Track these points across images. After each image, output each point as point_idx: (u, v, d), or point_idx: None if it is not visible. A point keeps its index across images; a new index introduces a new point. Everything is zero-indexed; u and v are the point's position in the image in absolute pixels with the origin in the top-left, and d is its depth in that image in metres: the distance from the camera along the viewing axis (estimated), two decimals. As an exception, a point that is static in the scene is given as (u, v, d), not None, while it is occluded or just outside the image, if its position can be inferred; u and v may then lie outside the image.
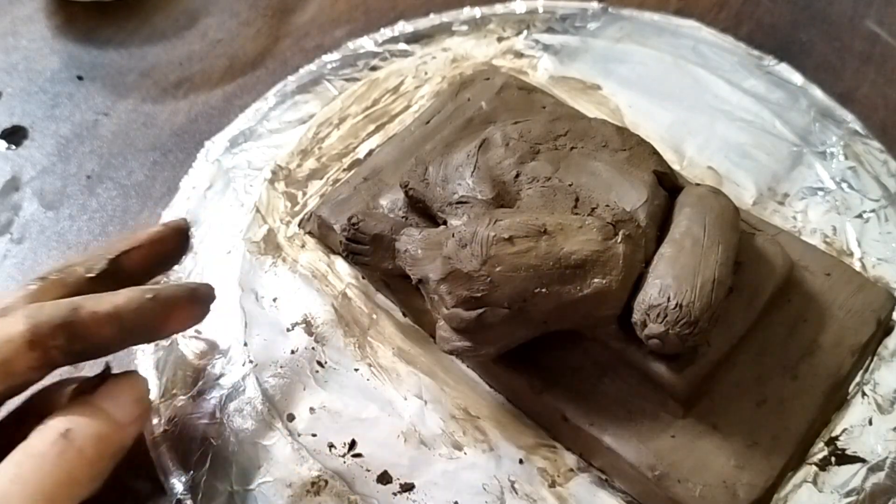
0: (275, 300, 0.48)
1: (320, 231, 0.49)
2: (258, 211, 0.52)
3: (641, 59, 0.59)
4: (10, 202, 0.53)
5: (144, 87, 0.60)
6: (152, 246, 0.41)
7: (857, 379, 0.43)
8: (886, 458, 0.41)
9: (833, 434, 0.42)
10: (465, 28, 0.61)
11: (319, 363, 0.45)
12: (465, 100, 0.53)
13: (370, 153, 0.54)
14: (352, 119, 0.56)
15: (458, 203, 0.42)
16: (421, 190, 0.44)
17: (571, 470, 0.41)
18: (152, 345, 0.46)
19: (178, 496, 0.41)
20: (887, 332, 0.45)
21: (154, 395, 0.44)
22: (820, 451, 0.41)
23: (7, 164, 0.56)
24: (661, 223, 0.41)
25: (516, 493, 0.40)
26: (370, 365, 0.45)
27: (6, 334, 0.33)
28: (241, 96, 0.59)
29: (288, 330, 0.46)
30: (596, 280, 0.38)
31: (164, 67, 0.61)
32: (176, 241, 0.42)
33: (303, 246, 0.50)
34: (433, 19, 0.62)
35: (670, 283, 0.38)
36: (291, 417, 0.43)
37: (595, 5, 0.62)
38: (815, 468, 0.41)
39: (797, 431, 0.40)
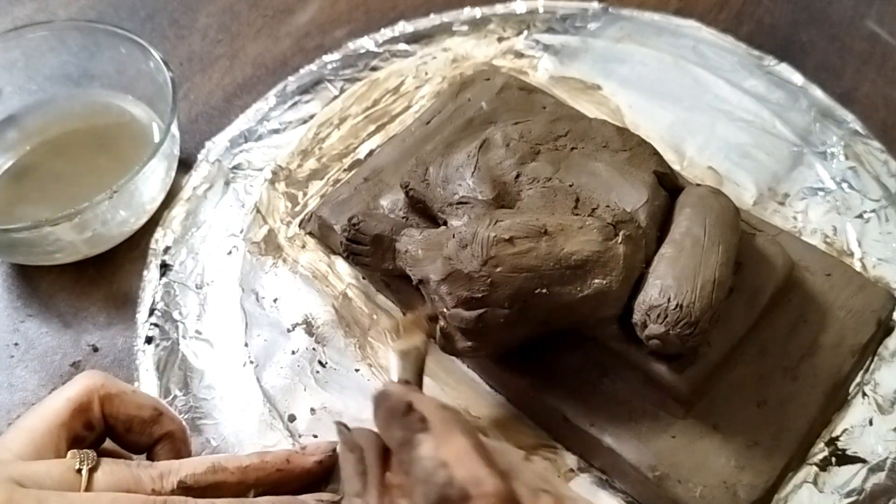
0: (275, 301, 0.48)
1: (321, 231, 0.49)
2: (259, 211, 0.52)
3: (641, 59, 0.59)
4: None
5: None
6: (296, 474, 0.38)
7: (858, 379, 0.43)
8: (887, 458, 0.41)
9: (833, 434, 0.42)
10: (465, 28, 0.61)
11: (320, 363, 0.45)
12: (466, 100, 0.53)
13: (371, 153, 0.54)
14: (352, 119, 0.56)
15: (458, 203, 0.42)
16: (421, 190, 0.44)
17: (572, 470, 0.41)
18: (152, 345, 0.46)
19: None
20: (888, 333, 0.45)
21: (154, 395, 0.44)
22: (820, 451, 0.41)
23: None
24: (662, 223, 0.41)
25: (517, 493, 0.40)
26: (371, 365, 0.45)
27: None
28: (241, 96, 0.59)
29: (289, 330, 0.46)
30: (596, 280, 0.38)
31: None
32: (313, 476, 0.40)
33: (303, 246, 0.50)
34: (433, 19, 0.62)
35: (671, 284, 0.38)
36: (292, 418, 0.43)
37: (595, 5, 0.62)
38: (815, 468, 0.41)
39: (798, 432, 0.40)
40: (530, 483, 0.30)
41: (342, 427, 0.34)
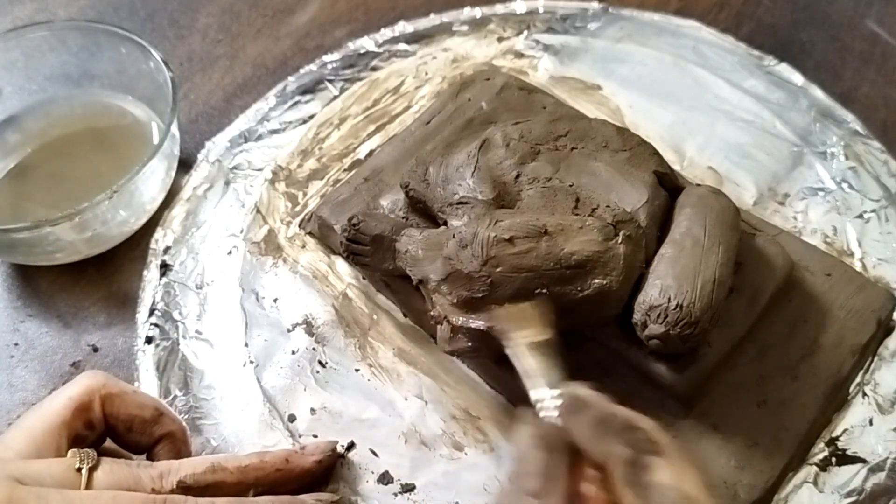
0: (275, 301, 0.48)
1: (321, 231, 0.49)
2: (259, 211, 0.52)
3: (642, 59, 0.59)
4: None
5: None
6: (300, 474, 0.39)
7: (858, 379, 0.43)
8: (887, 458, 0.41)
9: (834, 434, 0.42)
10: (465, 28, 0.61)
11: (320, 363, 0.45)
12: (466, 100, 0.53)
13: (371, 153, 0.54)
14: (352, 119, 0.56)
15: (458, 203, 0.42)
16: (421, 190, 0.44)
17: (572, 470, 0.41)
18: (152, 345, 0.46)
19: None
20: (888, 333, 0.45)
21: (154, 395, 0.44)
22: (820, 451, 0.41)
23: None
24: (662, 223, 0.41)
25: (517, 493, 0.40)
26: (371, 365, 0.45)
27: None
28: (241, 96, 0.59)
29: (289, 330, 0.46)
30: (596, 281, 0.38)
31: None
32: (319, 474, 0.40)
33: (303, 246, 0.50)
34: (433, 19, 0.62)
35: (671, 284, 0.38)
36: (293, 418, 0.43)
37: (595, 5, 0.62)
38: (815, 468, 0.41)
39: (798, 432, 0.40)
40: None
41: (530, 416, 0.31)
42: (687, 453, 0.29)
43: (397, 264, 0.42)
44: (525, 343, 0.34)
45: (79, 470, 0.34)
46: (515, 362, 0.34)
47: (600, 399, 0.31)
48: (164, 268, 0.50)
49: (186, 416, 0.43)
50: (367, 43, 0.61)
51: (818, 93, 0.56)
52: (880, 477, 0.40)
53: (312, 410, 0.43)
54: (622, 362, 0.41)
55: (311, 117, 0.56)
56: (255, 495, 0.37)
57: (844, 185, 0.51)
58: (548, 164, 0.42)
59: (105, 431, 0.38)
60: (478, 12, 0.62)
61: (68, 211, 0.45)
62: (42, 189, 0.51)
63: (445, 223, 0.42)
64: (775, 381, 0.41)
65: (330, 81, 0.58)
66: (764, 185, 0.51)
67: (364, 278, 0.48)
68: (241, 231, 0.51)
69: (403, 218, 0.45)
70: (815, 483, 0.40)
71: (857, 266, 0.47)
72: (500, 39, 0.61)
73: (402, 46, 0.60)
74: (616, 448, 0.28)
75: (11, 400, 0.45)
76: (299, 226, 0.51)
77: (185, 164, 0.54)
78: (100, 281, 0.50)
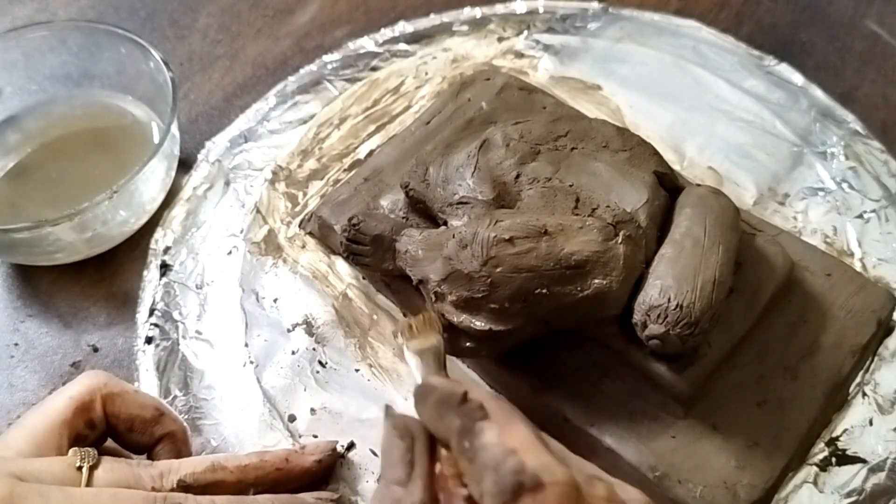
0: (275, 301, 0.48)
1: (321, 232, 0.49)
2: (259, 211, 0.52)
3: (642, 59, 0.59)
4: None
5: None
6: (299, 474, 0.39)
7: (858, 379, 0.43)
8: (887, 458, 0.41)
9: (834, 434, 0.42)
10: (465, 28, 0.61)
11: (320, 363, 0.45)
12: (466, 100, 0.53)
13: (371, 154, 0.54)
14: (352, 119, 0.56)
15: (458, 204, 0.42)
16: (421, 190, 0.44)
17: (572, 470, 0.41)
18: (152, 345, 0.46)
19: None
20: (888, 333, 0.45)
21: (154, 395, 0.44)
22: (820, 451, 0.41)
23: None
24: (662, 224, 0.41)
25: (517, 493, 0.40)
26: (371, 365, 0.45)
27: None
28: (241, 96, 0.59)
29: (289, 331, 0.46)
30: (596, 281, 0.38)
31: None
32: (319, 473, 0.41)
33: (303, 246, 0.50)
34: (433, 19, 0.62)
35: (671, 284, 0.38)
36: (293, 418, 0.43)
37: (595, 5, 0.62)
38: (815, 469, 0.41)
39: (798, 432, 0.40)
40: (583, 470, 0.30)
41: (392, 411, 0.33)
42: (512, 410, 0.30)
43: (397, 264, 0.42)
44: (413, 349, 0.37)
45: (79, 468, 0.34)
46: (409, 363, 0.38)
47: (445, 383, 0.32)
48: (164, 268, 0.50)
49: (186, 416, 0.43)
50: (367, 43, 0.61)
51: (818, 93, 0.56)
52: (880, 477, 0.40)
53: (312, 410, 0.43)
54: (622, 362, 0.41)
55: (311, 117, 0.56)
56: (254, 494, 0.37)
57: (844, 185, 0.51)
58: (548, 164, 0.42)
59: (106, 431, 0.38)
60: (478, 12, 0.62)
61: (68, 211, 0.45)
62: (42, 189, 0.51)
63: (445, 223, 0.42)
64: (775, 381, 0.41)
65: (330, 81, 0.58)
66: (764, 185, 0.51)
67: (364, 278, 0.48)
68: (241, 231, 0.51)
69: (403, 218, 0.45)
70: (815, 483, 0.40)
71: (857, 266, 0.47)
72: (500, 39, 0.61)
73: (402, 46, 0.60)
74: (452, 422, 0.30)
75: (11, 400, 0.45)
76: (299, 226, 0.51)
77: (185, 164, 0.54)
78: (100, 281, 0.50)
